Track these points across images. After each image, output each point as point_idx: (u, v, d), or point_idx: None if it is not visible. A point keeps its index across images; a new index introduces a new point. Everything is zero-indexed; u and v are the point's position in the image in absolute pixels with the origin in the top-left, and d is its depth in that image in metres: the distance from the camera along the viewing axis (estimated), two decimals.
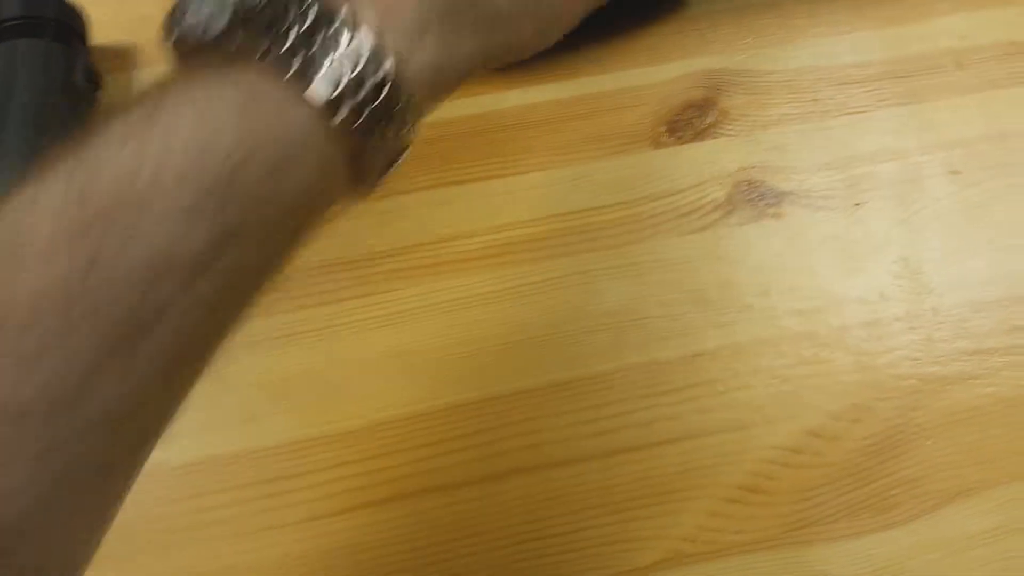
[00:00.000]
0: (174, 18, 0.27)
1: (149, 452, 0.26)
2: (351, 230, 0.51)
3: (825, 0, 0.57)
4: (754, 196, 0.52)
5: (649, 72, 0.55)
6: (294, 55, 0.25)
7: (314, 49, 0.26)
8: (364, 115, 0.27)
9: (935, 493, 0.46)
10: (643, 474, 0.47)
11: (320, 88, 0.26)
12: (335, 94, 0.26)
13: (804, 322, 0.50)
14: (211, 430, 0.47)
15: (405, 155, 0.32)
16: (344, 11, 0.26)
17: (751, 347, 0.49)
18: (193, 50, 0.27)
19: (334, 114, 0.26)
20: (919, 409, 0.48)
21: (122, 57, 0.55)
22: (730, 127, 0.54)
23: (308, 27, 0.26)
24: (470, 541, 0.45)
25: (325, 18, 0.26)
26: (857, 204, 0.52)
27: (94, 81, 0.51)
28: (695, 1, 0.57)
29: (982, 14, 0.57)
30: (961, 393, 0.48)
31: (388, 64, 0.27)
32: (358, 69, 0.26)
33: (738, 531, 0.45)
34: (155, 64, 0.55)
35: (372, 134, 0.27)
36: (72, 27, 0.51)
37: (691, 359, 0.49)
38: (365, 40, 0.27)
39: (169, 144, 0.24)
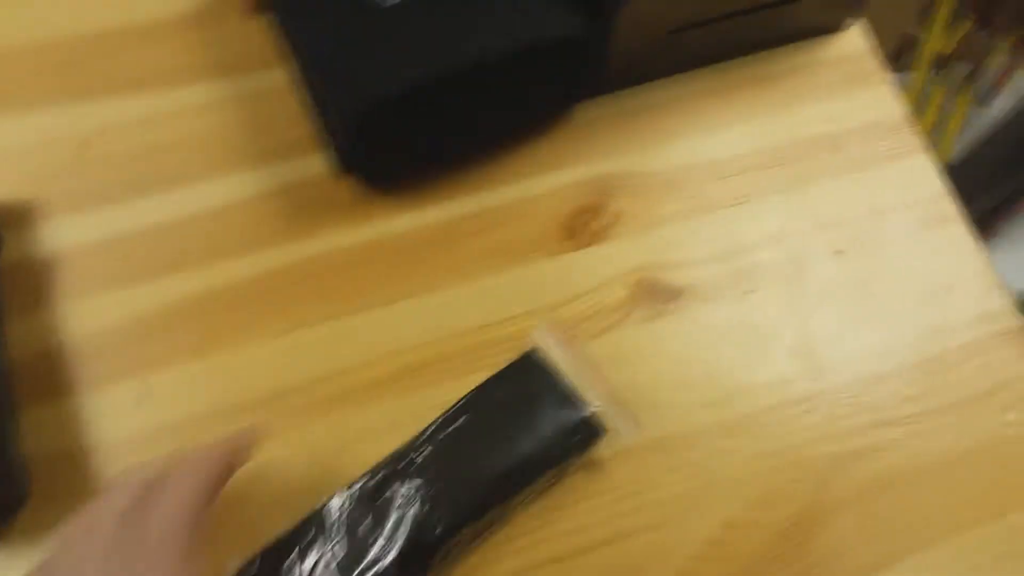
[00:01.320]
0: None
1: None
2: (265, 368, 0.51)
3: (698, 98, 0.60)
4: (652, 293, 0.54)
5: (540, 182, 0.57)
6: None
7: None
8: None
9: (853, 569, 0.47)
10: None
11: None
12: None
13: (712, 413, 0.51)
14: None
15: None
16: None
17: (663, 444, 0.50)
18: None
19: None
20: (830, 487, 0.49)
21: (22, 212, 0.55)
22: (623, 228, 0.56)
23: None
24: None
25: None
26: (749, 292, 0.54)
27: None
28: (578, 111, 0.59)
29: (849, 99, 0.61)
30: (868, 466, 0.50)
31: None
32: None
33: None
34: (53, 216, 0.55)
35: None
36: None
37: (605, 463, 0.49)
38: None
39: None
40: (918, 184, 0.59)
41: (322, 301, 0.53)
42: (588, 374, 0.48)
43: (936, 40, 1.47)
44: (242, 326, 0.52)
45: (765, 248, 0.56)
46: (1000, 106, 1.43)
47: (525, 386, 0.48)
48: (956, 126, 1.50)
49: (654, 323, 0.53)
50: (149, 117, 0.58)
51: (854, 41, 0.63)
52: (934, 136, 1.54)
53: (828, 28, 0.62)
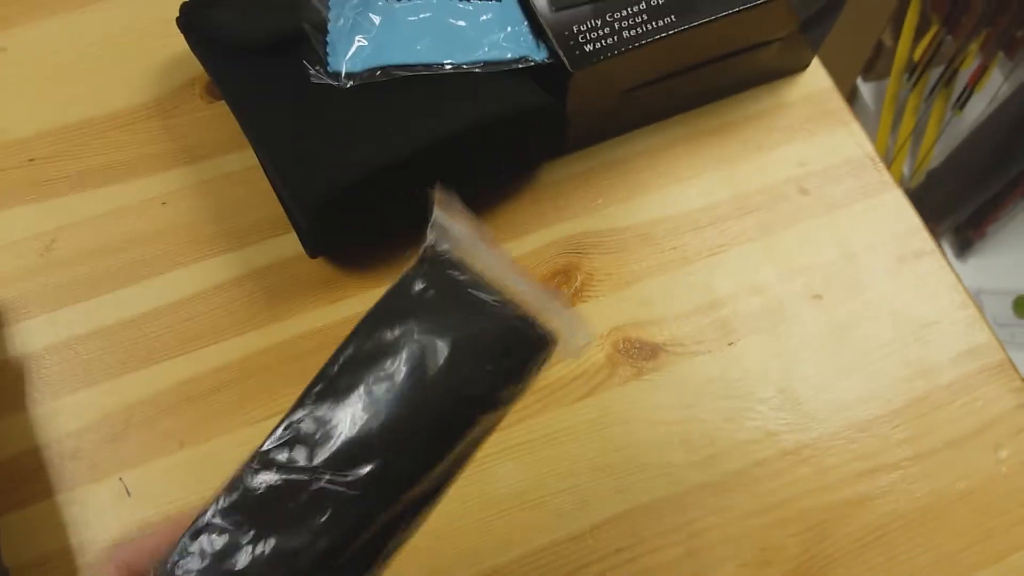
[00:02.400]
0: None
1: None
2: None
3: (663, 150, 0.60)
4: (632, 352, 0.53)
5: (512, 247, 0.57)
6: None
7: None
8: None
9: None
10: None
11: None
12: None
13: (701, 472, 0.50)
14: None
15: None
16: None
17: (654, 507, 0.50)
18: None
19: None
20: (826, 539, 0.49)
21: None
22: (598, 288, 0.56)
23: None
24: None
25: None
26: (730, 344, 0.54)
27: None
28: (543, 172, 0.59)
29: (814, 140, 0.61)
30: (863, 516, 0.49)
31: None
32: None
33: None
34: (23, 317, 0.55)
35: None
36: None
37: (594, 531, 0.49)
38: None
39: None
40: (891, 220, 0.58)
41: (302, 383, 0.53)
42: (508, 268, 0.34)
43: (906, 47, 1.48)
44: (222, 413, 0.52)
45: (743, 298, 0.56)
46: (976, 108, 1.44)
47: (434, 300, 0.33)
48: (934, 132, 1.50)
49: (636, 382, 0.53)
50: (116, 209, 0.57)
51: (817, 80, 0.63)
52: (913, 143, 1.55)
53: (789, 70, 0.62)
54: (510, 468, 0.50)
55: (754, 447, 0.51)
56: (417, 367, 0.31)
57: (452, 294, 0.33)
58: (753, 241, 0.57)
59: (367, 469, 0.30)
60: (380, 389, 0.31)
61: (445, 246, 0.34)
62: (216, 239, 0.57)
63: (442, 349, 0.31)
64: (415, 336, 0.32)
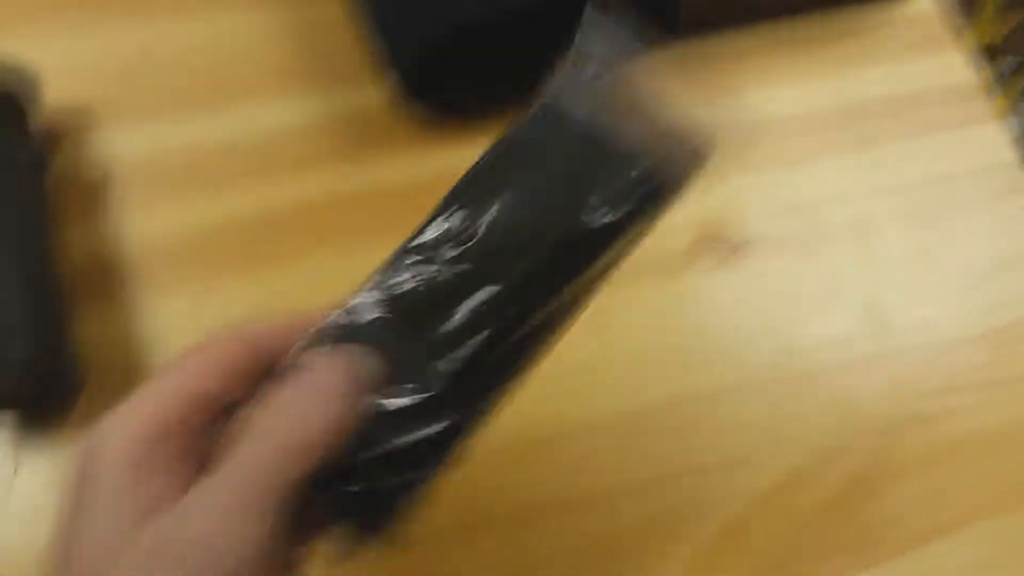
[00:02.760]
0: None
1: None
2: (317, 289, 0.50)
3: (769, 52, 0.59)
4: (715, 245, 0.53)
5: None
6: None
7: None
8: None
9: (913, 531, 0.46)
10: (618, 523, 0.46)
11: None
12: None
13: (772, 368, 0.50)
14: None
15: None
16: None
17: (722, 393, 0.49)
18: None
19: None
20: (893, 448, 0.48)
21: (76, 120, 0.54)
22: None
23: None
24: None
25: None
26: (813, 250, 0.53)
27: (41, 159, 0.50)
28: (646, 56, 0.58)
29: (919, 62, 0.59)
30: (932, 431, 0.49)
31: None
32: None
33: (724, 570, 0.44)
34: (110, 127, 0.54)
35: None
36: (16, 105, 0.49)
37: (666, 407, 0.48)
38: None
39: None
40: (990, 152, 0.57)
41: (374, 231, 0.52)
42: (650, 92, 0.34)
43: (983, 31, 1.45)
44: (293, 248, 0.52)
45: (831, 208, 0.55)
46: None
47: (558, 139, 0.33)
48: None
49: (718, 273, 0.52)
50: (208, 35, 0.56)
51: (928, 4, 0.61)
52: None
53: None
54: (584, 336, 0.50)
55: (830, 350, 0.50)
56: (557, 181, 0.32)
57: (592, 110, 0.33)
58: (848, 154, 0.56)
59: (516, 268, 0.30)
60: (523, 195, 0.32)
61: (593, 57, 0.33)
62: (307, 79, 0.56)
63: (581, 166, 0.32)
64: (555, 150, 0.32)
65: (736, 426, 0.48)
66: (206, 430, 0.28)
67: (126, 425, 0.26)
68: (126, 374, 0.48)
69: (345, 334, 0.30)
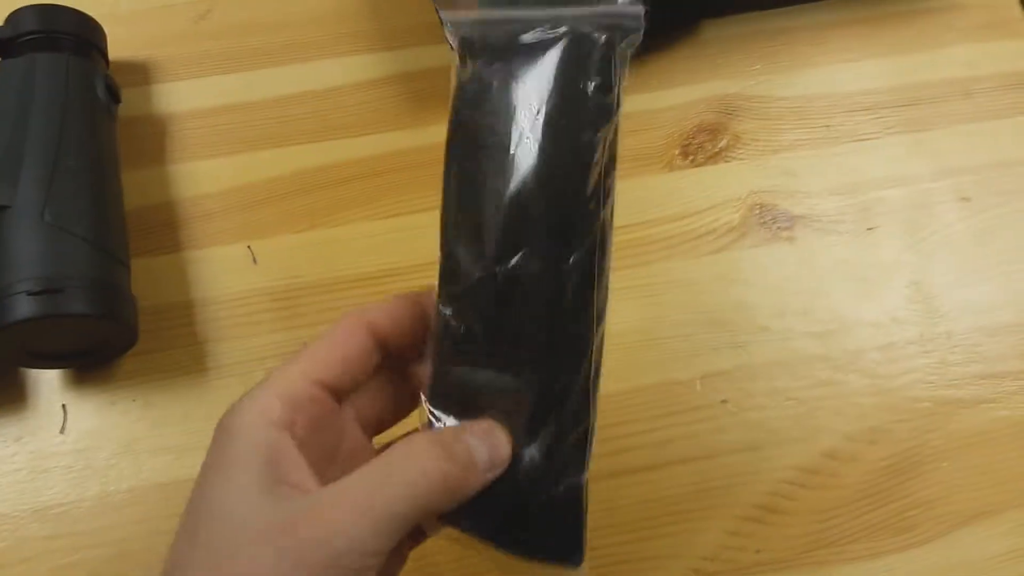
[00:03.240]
0: None
1: None
2: (372, 247, 0.51)
3: (830, 28, 0.58)
4: (767, 219, 0.53)
5: (662, 96, 0.56)
6: None
7: None
8: None
9: (951, 515, 0.46)
10: (657, 493, 0.46)
11: None
12: None
13: (819, 344, 0.50)
14: None
15: None
16: None
17: (765, 368, 0.49)
18: None
19: None
20: (934, 432, 0.48)
21: (141, 72, 0.55)
22: (742, 151, 0.54)
23: None
24: (468, 561, 0.44)
25: None
26: (869, 228, 0.53)
27: (114, 95, 0.51)
28: (705, 28, 0.57)
29: (987, 46, 0.58)
30: (975, 416, 0.48)
31: None
32: None
33: (758, 550, 0.45)
34: (172, 78, 0.56)
35: None
36: (91, 41, 0.51)
37: (705, 380, 0.49)
38: None
39: None
40: None
41: (433, 191, 0.53)
42: None
43: None
44: (351, 204, 0.52)
45: (888, 187, 0.54)
46: None
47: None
48: None
49: (766, 248, 0.52)
50: None
51: None
52: None
53: None
54: (630, 307, 0.50)
55: (877, 331, 0.50)
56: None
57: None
58: (907, 133, 0.56)
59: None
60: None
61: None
62: (372, 36, 0.56)
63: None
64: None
65: (779, 402, 0.48)
66: (328, 419, 0.30)
67: (262, 406, 0.28)
68: (177, 325, 0.49)
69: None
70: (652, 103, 0.56)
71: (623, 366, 0.49)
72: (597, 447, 0.47)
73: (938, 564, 0.45)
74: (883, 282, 0.51)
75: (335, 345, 0.30)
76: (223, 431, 0.28)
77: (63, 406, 0.47)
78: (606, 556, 0.45)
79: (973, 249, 0.53)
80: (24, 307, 0.41)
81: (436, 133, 0.54)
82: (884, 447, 0.47)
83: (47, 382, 0.47)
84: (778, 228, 0.52)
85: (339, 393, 0.31)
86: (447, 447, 0.28)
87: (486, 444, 0.29)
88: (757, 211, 0.53)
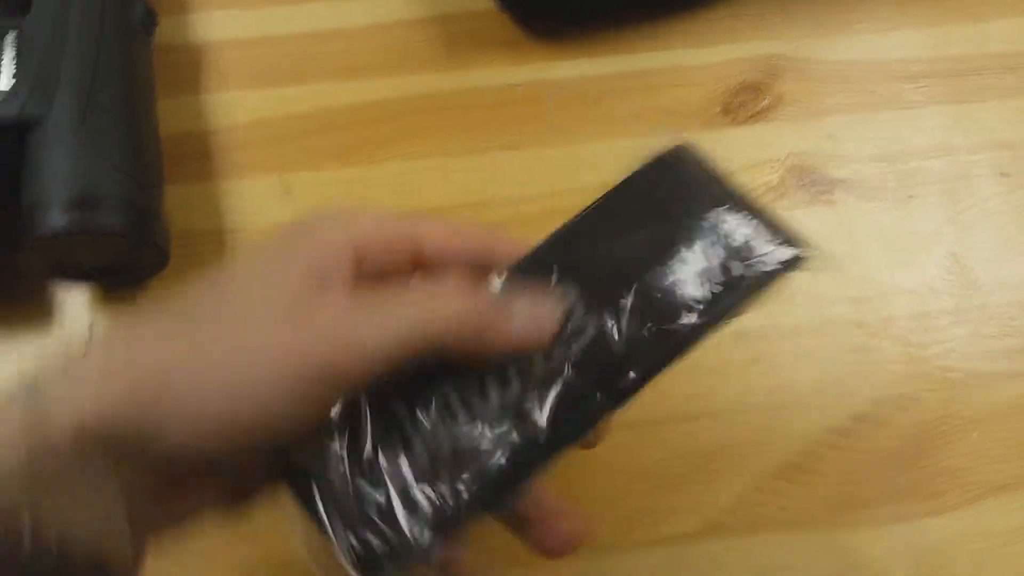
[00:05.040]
0: None
1: None
2: (403, 186, 0.51)
3: None
4: (806, 182, 0.52)
5: (705, 53, 0.55)
6: None
7: None
8: None
9: (979, 484, 0.46)
10: (680, 447, 0.46)
11: None
12: None
13: (853, 309, 0.49)
14: None
15: None
16: None
17: (797, 330, 0.49)
18: None
19: None
20: (965, 402, 0.48)
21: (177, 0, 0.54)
22: (784, 112, 0.54)
23: None
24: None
25: None
26: (910, 197, 0.52)
27: (150, 22, 0.50)
28: None
29: None
30: (1007, 389, 0.48)
31: None
32: None
33: (781, 507, 0.45)
34: (208, 8, 0.55)
35: None
36: None
37: (736, 337, 0.48)
38: None
39: None
40: None
41: (466, 133, 0.53)
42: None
43: None
44: (384, 143, 0.52)
45: (928, 157, 0.53)
46: None
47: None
48: None
49: (804, 211, 0.51)
50: None
51: None
52: None
53: None
54: None
55: (912, 299, 0.50)
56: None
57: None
58: (949, 105, 0.55)
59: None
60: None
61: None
62: None
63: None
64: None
65: (809, 365, 0.48)
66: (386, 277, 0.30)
67: (354, 226, 0.29)
68: (207, 251, 0.49)
69: None
70: (694, 59, 0.55)
71: None
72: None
73: (962, 532, 0.45)
74: (921, 251, 0.51)
75: (390, 226, 0.30)
76: (305, 227, 0.29)
77: (90, 324, 0.46)
78: (625, 504, 0.45)
79: (1011, 225, 0.52)
80: (58, 221, 0.40)
81: (470, 77, 0.54)
82: (914, 414, 0.47)
83: (75, 300, 0.47)
84: (817, 191, 0.52)
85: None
86: (477, 289, 0.29)
87: (530, 306, 0.30)
88: (796, 173, 0.52)
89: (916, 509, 0.45)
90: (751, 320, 0.47)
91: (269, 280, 0.27)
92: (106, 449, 0.24)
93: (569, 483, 0.44)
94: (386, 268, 0.29)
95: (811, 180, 0.52)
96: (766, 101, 0.54)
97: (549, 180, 0.51)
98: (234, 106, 0.52)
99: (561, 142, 0.52)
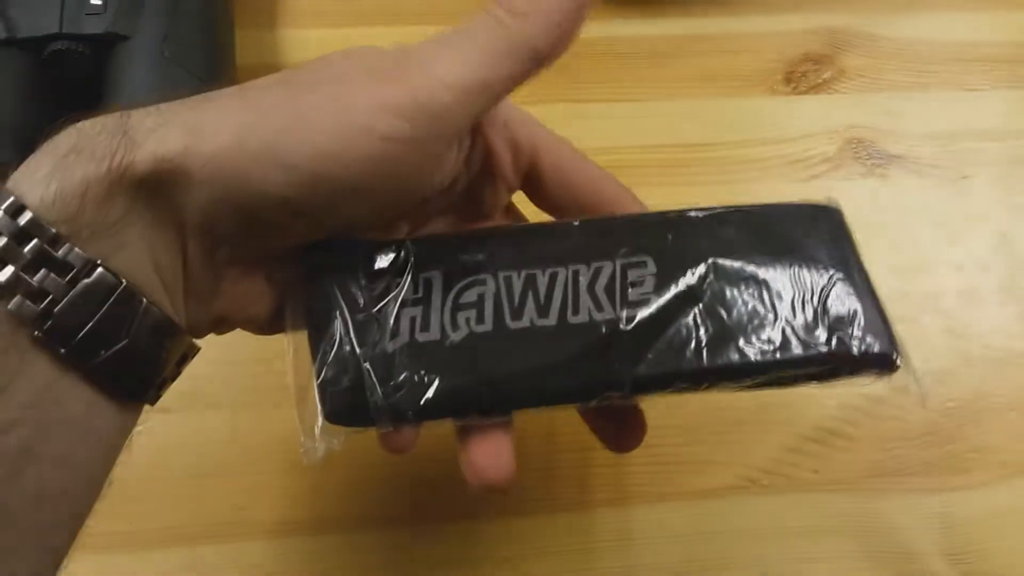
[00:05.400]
0: None
1: None
2: None
3: None
4: (862, 155, 0.52)
5: (771, 21, 0.56)
6: None
7: None
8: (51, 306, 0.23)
9: (1011, 463, 0.46)
10: (720, 402, 0.47)
11: None
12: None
13: (899, 281, 0.50)
14: None
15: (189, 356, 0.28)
16: None
17: None
18: None
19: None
20: (1004, 381, 0.48)
21: None
22: (845, 85, 0.54)
23: None
24: (532, 442, 0.45)
25: None
26: (963, 177, 0.52)
27: None
28: None
29: None
30: None
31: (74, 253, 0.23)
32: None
33: (815, 470, 0.45)
34: None
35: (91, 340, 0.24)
36: None
37: None
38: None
39: None
40: None
41: (533, 85, 0.53)
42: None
43: None
44: None
45: (985, 140, 0.54)
46: None
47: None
48: None
49: (859, 182, 0.52)
50: None
51: None
52: None
53: None
54: None
55: (959, 276, 0.50)
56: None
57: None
58: (1010, 90, 0.55)
59: None
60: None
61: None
62: None
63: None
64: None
65: None
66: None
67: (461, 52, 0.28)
68: None
69: None
70: (760, 26, 0.55)
71: None
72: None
73: (991, 508, 0.45)
74: (970, 230, 0.51)
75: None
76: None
77: None
78: (660, 455, 0.46)
79: None
80: None
81: (614, 27, 0.54)
82: (952, 389, 0.48)
83: None
84: (873, 164, 0.52)
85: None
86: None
87: None
88: (853, 145, 0.53)
89: (947, 482, 0.46)
90: None
91: (355, 54, 0.28)
92: (185, 187, 0.25)
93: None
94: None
95: (867, 154, 0.52)
96: (828, 73, 0.54)
97: (611, 136, 0.52)
98: (311, 43, 0.53)
99: (625, 99, 0.53)
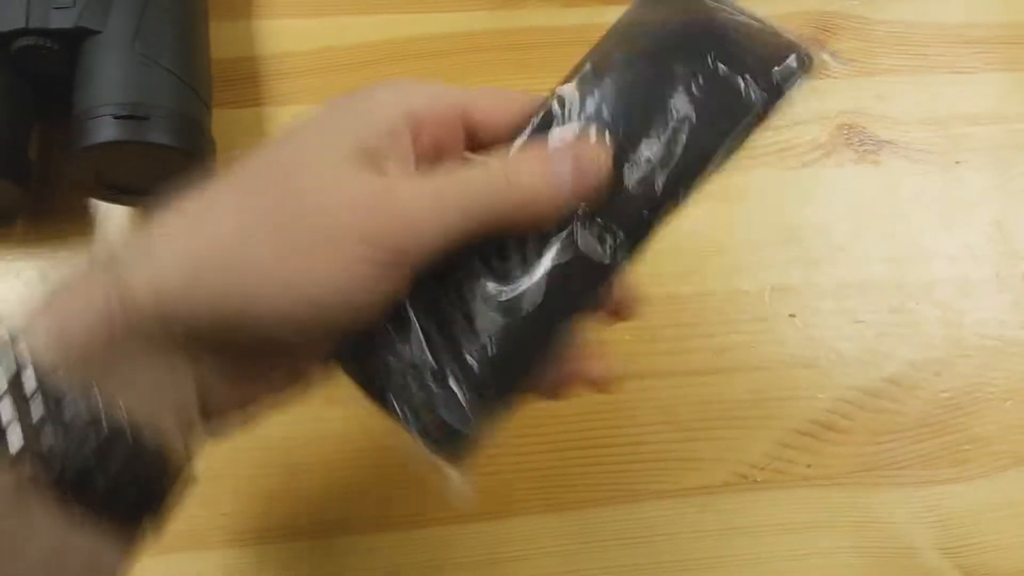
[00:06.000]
0: None
1: None
2: None
3: None
4: (854, 141, 0.51)
5: (762, 4, 0.54)
6: None
7: None
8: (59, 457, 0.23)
9: (1006, 454, 0.46)
10: (712, 397, 0.46)
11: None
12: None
13: (893, 271, 0.49)
14: None
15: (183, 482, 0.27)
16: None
17: (837, 288, 0.48)
18: None
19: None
20: (999, 370, 0.47)
21: None
22: (836, 70, 0.53)
23: None
24: (526, 440, 0.44)
25: None
26: (957, 162, 0.51)
27: None
28: None
29: None
30: None
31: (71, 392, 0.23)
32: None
33: (809, 465, 0.45)
34: None
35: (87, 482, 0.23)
36: None
37: (774, 292, 0.48)
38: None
39: None
40: None
41: (518, 73, 0.52)
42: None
43: None
44: (440, 78, 0.51)
45: (982, 123, 0.53)
46: None
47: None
48: None
49: (851, 169, 0.51)
50: None
51: None
52: None
53: None
54: (705, 211, 0.49)
55: (954, 264, 0.49)
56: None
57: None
58: (1005, 72, 0.54)
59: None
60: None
61: None
62: None
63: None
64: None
65: (846, 323, 0.48)
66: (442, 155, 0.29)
67: (410, 96, 0.28)
68: None
69: None
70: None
71: (690, 269, 0.48)
72: (655, 344, 0.47)
73: (987, 500, 0.45)
74: (965, 217, 0.50)
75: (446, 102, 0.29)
76: (355, 97, 0.28)
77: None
78: (653, 453, 0.45)
79: None
80: (109, 130, 0.41)
81: (523, 17, 0.53)
82: (948, 379, 0.47)
83: (115, 218, 0.47)
84: (865, 151, 0.51)
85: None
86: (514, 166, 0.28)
87: (569, 160, 0.28)
88: (845, 131, 0.52)
89: (943, 474, 0.45)
90: (791, 276, 0.47)
91: (327, 158, 0.26)
92: (186, 318, 0.25)
93: (597, 427, 0.44)
94: (441, 142, 0.29)
95: (859, 139, 0.51)
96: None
97: None
98: (286, 34, 0.52)
99: None
